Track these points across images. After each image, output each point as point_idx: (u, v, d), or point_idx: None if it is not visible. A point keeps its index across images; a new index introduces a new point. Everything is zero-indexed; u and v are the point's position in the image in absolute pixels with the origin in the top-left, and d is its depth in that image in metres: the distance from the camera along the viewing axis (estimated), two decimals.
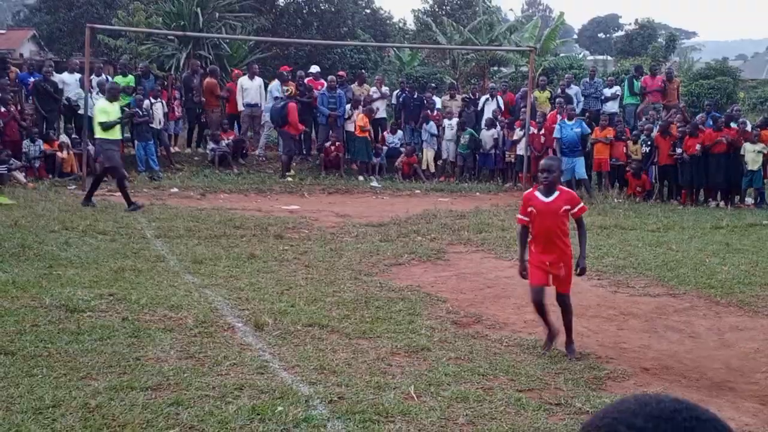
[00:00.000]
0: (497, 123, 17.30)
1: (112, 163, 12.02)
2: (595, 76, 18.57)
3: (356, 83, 18.70)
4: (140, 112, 15.66)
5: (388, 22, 33.64)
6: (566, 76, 19.32)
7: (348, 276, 8.23)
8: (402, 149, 17.69)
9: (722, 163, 14.88)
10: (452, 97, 18.68)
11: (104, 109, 12.03)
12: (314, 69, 19.25)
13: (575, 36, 74.56)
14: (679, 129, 15.41)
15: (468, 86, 23.91)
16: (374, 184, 16.67)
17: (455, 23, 26.90)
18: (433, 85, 21.21)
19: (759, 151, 14.73)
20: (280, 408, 4.46)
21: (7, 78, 15.66)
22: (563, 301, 5.94)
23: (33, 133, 14.93)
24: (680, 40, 43.29)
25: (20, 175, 14.10)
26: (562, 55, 30.48)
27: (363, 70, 22.07)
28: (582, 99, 17.76)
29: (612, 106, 17.76)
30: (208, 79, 17.52)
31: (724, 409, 4.86)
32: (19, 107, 15.49)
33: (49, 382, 4.75)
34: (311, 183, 16.21)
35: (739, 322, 7.09)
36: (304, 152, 18.24)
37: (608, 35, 71.98)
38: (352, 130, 17.27)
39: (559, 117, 15.88)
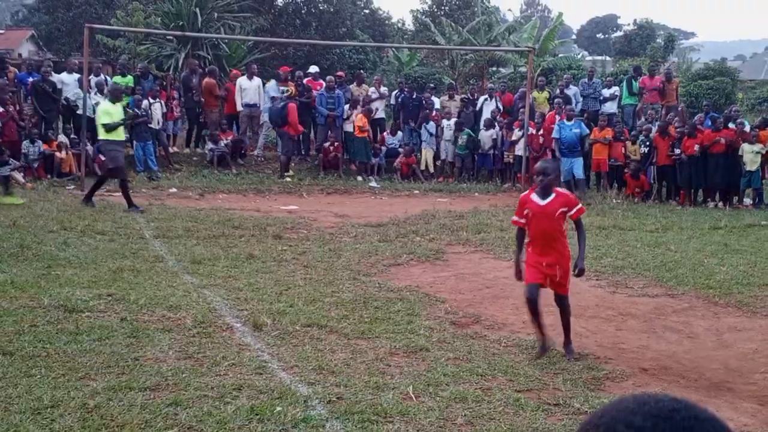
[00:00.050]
0: (496, 123, 17.31)
1: (116, 164, 12.05)
2: (594, 76, 18.55)
3: (355, 83, 18.68)
4: (141, 113, 15.66)
5: (386, 22, 33.70)
6: (565, 76, 19.30)
7: (347, 276, 8.23)
8: (401, 149, 17.69)
9: (721, 163, 14.87)
10: (451, 97, 18.68)
11: (107, 111, 12.04)
12: (313, 69, 19.25)
13: (574, 36, 74.53)
14: (678, 129, 15.42)
15: (467, 87, 23.92)
16: (373, 184, 16.66)
17: (454, 23, 26.93)
18: (431, 85, 21.21)
19: (757, 152, 14.73)
20: (278, 408, 4.46)
21: (5, 78, 15.61)
22: (562, 302, 5.94)
23: (32, 134, 14.89)
24: (679, 41, 43.29)
25: (18, 176, 14.07)
26: (560, 55, 30.44)
27: (362, 71, 22.09)
28: (581, 99, 17.74)
29: (611, 107, 17.74)
30: (206, 80, 17.50)
31: (722, 410, 4.86)
32: (17, 107, 15.46)
33: (48, 382, 4.75)
34: (310, 183, 16.20)
35: (737, 322, 7.09)
36: (303, 152, 18.22)
37: (607, 36, 72.06)
38: (351, 130, 17.25)
39: (557, 117, 15.87)
